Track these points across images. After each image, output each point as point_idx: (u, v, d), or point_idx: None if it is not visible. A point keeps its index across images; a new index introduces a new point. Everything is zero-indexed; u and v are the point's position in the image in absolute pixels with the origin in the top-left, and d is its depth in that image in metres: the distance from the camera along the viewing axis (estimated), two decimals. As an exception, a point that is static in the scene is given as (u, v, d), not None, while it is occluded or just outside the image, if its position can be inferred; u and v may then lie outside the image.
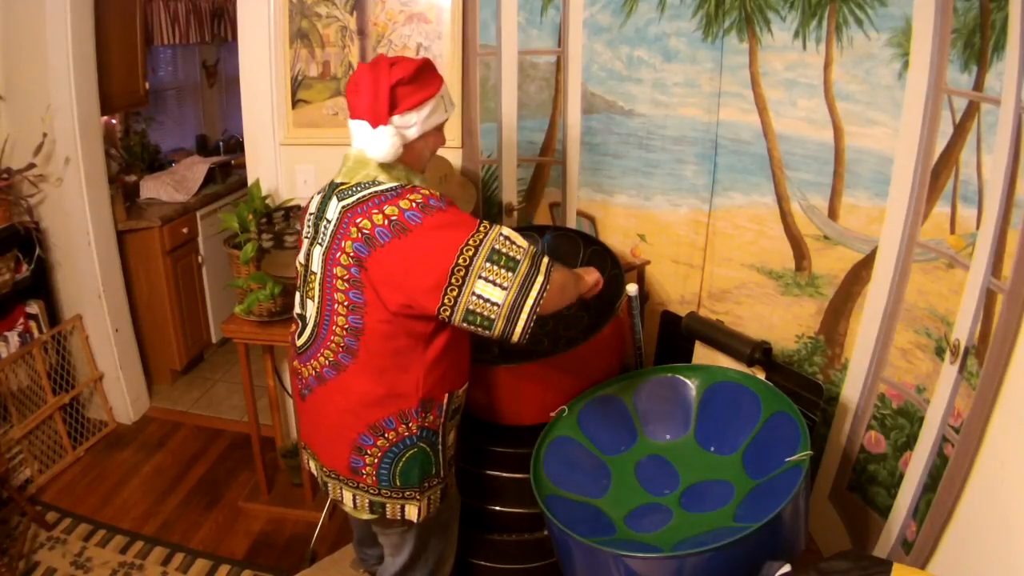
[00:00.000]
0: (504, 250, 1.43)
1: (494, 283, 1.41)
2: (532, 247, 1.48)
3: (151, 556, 2.50)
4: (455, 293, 1.41)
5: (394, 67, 1.49)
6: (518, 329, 1.43)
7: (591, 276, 1.73)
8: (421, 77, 1.52)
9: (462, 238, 1.42)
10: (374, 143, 1.50)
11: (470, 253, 1.41)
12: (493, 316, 1.42)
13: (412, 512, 1.64)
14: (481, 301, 1.41)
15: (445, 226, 1.43)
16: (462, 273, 1.40)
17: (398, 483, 1.61)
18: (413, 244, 1.41)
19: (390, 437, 1.57)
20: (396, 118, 1.50)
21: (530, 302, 1.43)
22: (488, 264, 1.41)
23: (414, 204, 1.44)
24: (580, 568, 1.57)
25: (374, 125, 1.49)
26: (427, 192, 1.47)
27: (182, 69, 4.48)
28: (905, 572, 1.27)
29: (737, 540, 1.35)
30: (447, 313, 1.43)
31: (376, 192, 1.48)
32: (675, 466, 1.80)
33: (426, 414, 1.58)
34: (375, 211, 1.44)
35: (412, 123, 1.52)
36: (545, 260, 1.49)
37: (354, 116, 1.54)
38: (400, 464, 1.59)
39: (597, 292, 1.75)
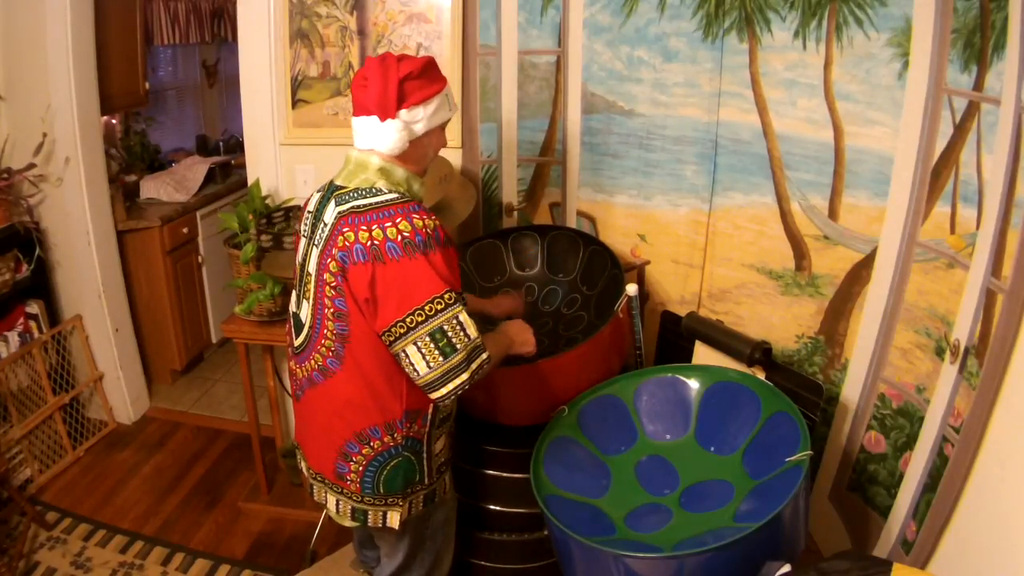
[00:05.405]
0: (450, 334, 1.44)
1: (423, 357, 1.44)
2: (477, 339, 1.48)
3: (151, 556, 2.50)
4: (390, 339, 1.45)
5: (402, 62, 1.50)
6: (435, 395, 1.48)
7: (523, 344, 1.74)
8: (428, 73, 1.53)
9: (420, 299, 1.43)
10: (382, 137, 1.50)
11: (419, 319, 1.43)
12: (413, 377, 1.47)
13: (394, 519, 1.64)
14: (408, 361, 1.46)
15: (413, 276, 1.43)
16: (402, 331, 1.43)
17: (381, 491, 1.61)
18: (381, 274, 1.43)
19: (375, 446, 1.57)
20: (404, 112, 1.50)
21: (447, 388, 1.47)
22: (427, 338, 1.43)
23: (399, 238, 1.43)
24: (580, 568, 1.57)
25: (382, 119, 1.49)
26: (420, 224, 1.45)
27: (182, 69, 4.48)
28: (905, 572, 1.27)
29: (737, 540, 1.35)
30: (386, 342, 1.47)
31: (371, 206, 1.47)
32: (675, 466, 1.80)
33: (411, 424, 1.58)
34: (363, 228, 1.44)
35: (419, 118, 1.52)
36: (479, 360, 1.49)
37: (360, 112, 1.53)
38: (384, 472, 1.60)
39: (529, 352, 1.77)
